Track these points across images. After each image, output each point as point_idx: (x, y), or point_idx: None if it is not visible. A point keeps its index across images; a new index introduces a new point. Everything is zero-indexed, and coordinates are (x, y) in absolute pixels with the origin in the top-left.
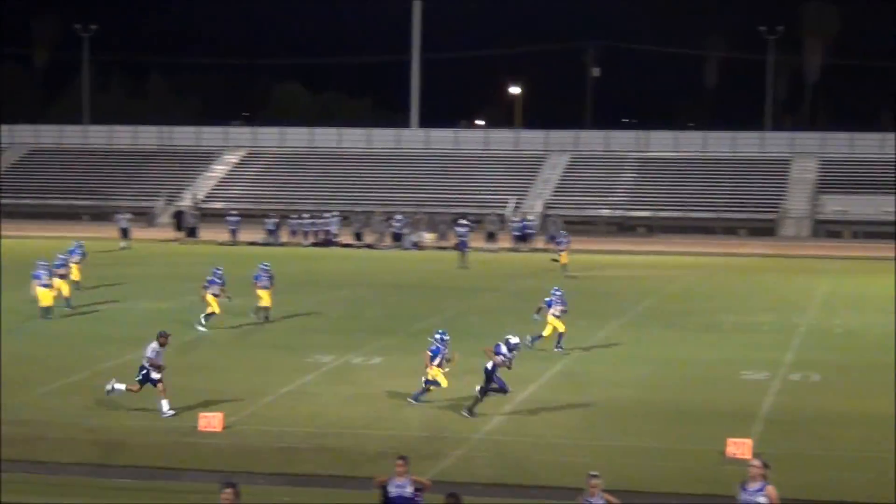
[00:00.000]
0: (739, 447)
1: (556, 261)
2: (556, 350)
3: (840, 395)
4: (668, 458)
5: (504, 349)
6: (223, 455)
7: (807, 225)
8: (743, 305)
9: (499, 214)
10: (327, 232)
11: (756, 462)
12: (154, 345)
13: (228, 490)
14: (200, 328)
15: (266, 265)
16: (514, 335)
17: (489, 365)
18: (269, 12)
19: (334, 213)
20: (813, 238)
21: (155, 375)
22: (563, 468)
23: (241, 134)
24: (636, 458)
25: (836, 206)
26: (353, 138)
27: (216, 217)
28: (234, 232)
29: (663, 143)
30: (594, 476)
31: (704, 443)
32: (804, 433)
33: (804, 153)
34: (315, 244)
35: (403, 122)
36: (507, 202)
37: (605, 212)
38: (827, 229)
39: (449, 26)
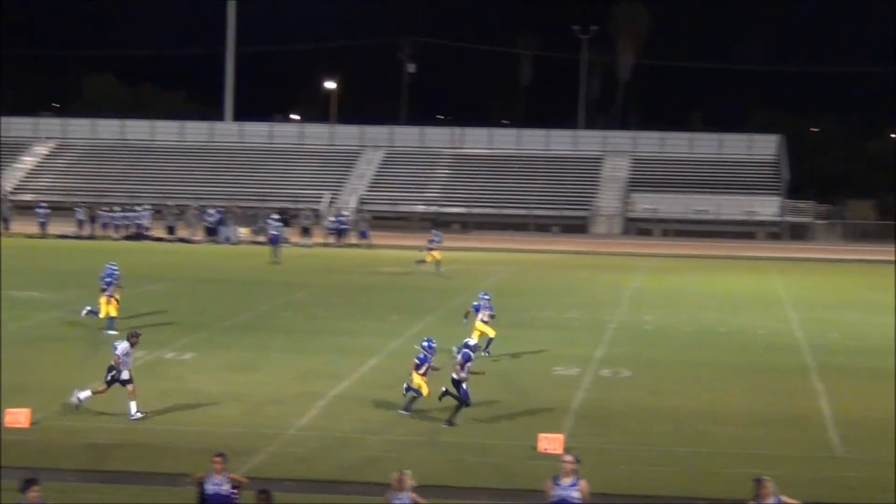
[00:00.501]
0: (551, 442)
1: (422, 262)
2: (483, 355)
3: (649, 390)
4: (479, 453)
5: (471, 354)
6: (30, 452)
7: (618, 222)
8: (555, 302)
9: (313, 209)
10: (139, 225)
11: (569, 457)
12: (125, 345)
13: (35, 489)
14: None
15: (113, 265)
16: (471, 340)
17: (453, 375)
18: (81, 2)
19: (146, 207)
20: (624, 235)
21: (124, 376)
22: (373, 464)
23: (51, 125)
24: (447, 453)
25: (647, 204)
26: (166, 131)
27: (26, 209)
28: (43, 224)
29: (478, 140)
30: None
31: (516, 438)
32: (614, 428)
33: (616, 151)
34: (127, 238)
35: (217, 116)
36: (321, 197)
37: (420, 208)
38: (638, 227)
39: (264, 19)
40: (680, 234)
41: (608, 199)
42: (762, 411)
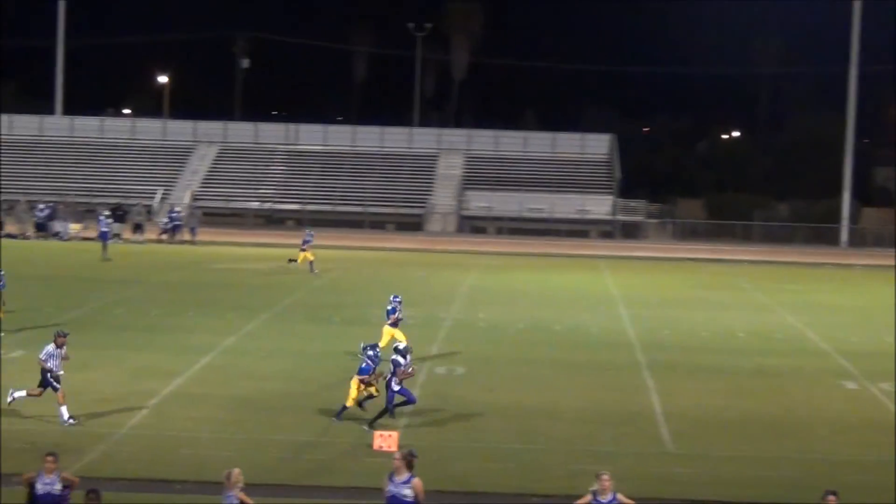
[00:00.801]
0: (385, 440)
1: (293, 261)
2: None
3: (483, 387)
4: (314, 451)
5: (401, 359)
6: None
7: (452, 220)
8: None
9: (146, 205)
10: None
11: (398, 454)
12: (49, 347)
13: None
14: None
15: None
16: (400, 343)
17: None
18: None
19: None
20: (458, 233)
21: (58, 381)
22: (206, 462)
23: None
24: (282, 451)
25: (481, 202)
26: None
27: None
28: None
29: (312, 137)
30: (831, 493)
31: (351, 435)
32: (449, 425)
33: (451, 149)
34: None
35: (47, 109)
36: (154, 193)
37: (254, 204)
38: (472, 225)
39: (96, 12)
40: (514, 231)
41: (443, 197)
42: (595, 408)
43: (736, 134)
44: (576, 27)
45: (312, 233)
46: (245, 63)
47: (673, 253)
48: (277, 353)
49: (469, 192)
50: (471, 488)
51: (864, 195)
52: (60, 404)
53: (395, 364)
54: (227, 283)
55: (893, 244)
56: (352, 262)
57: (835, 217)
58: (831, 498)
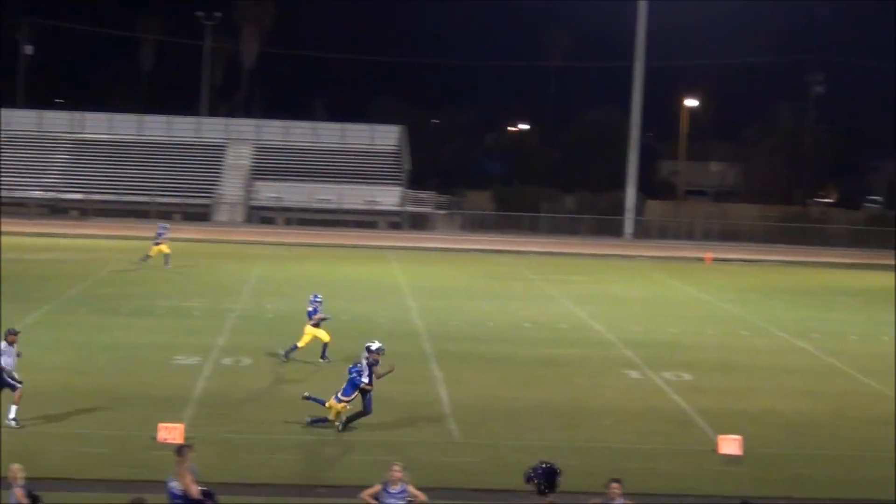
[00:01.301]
0: (171, 432)
1: (146, 257)
2: (321, 361)
3: (270, 378)
4: (96, 444)
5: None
6: None
7: (241, 210)
8: (176, 290)
9: None
10: None
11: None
12: (2, 345)
13: None
14: None
15: None
16: (373, 343)
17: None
18: None
19: None
20: (247, 224)
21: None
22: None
23: None
24: (63, 444)
25: (270, 192)
26: None
27: None
28: None
29: (98, 125)
30: (615, 481)
31: (135, 428)
32: (235, 417)
33: (239, 139)
34: None
35: None
36: None
37: (37, 193)
38: (261, 215)
39: None
40: (303, 222)
41: (231, 187)
42: (383, 398)
43: (524, 126)
44: (366, 18)
45: (166, 225)
46: (28, 49)
47: (461, 244)
48: (59, 344)
49: (258, 183)
50: (256, 480)
51: (648, 188)
52: (15, 403)
53: (371, 364)
54: (8, 274)
55: (676, 236)
56: (137, 252)
57: (620, 209)
58: (615, 485)
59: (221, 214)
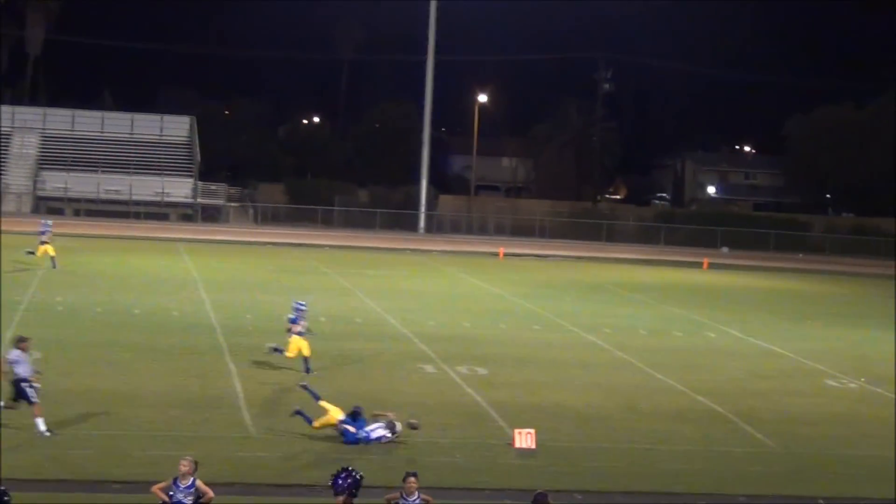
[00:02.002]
0: None
1: (31, 253)
2: (304, 374)
3: (60, 372)
4: None
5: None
6: None
7: (27, 200)
8: None
9: None
10: None
11: (413, 477)
12: (14, 353)
13: None
14: None
15: None
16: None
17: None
18: None
19: None
20: (34, 214)
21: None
22: None
23: None
24: None
25: (57, 182)
26: None
27: None
28: None
29: None
30: (411, 475)
31: None
32: (25, 413)
33: (25, 128)
34: None
35: None
36: None
37: None
38: (48, 206)
39: None
40: (92, 213)
41: (17, 177)
42: (177, 392)
43: (316, 119)
44: (156, 6)
45: (49, 223)
46: None
47: (254, 237)
48: None
49: (45, 173)
50: (48, 476)
51: (441, 183)
52: (37, 416)
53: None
54: None
55: (469, 231)
56: None
57: (413, 204)
58: (412, 479)
59: (7, 204)
